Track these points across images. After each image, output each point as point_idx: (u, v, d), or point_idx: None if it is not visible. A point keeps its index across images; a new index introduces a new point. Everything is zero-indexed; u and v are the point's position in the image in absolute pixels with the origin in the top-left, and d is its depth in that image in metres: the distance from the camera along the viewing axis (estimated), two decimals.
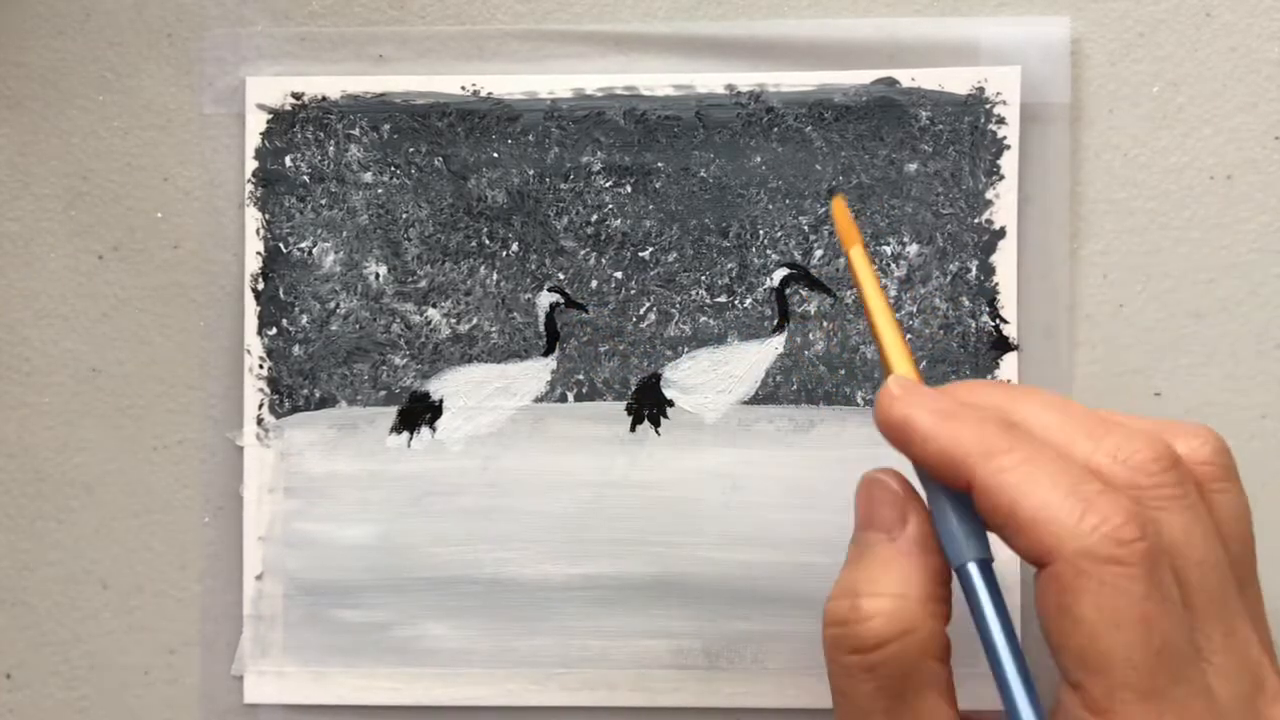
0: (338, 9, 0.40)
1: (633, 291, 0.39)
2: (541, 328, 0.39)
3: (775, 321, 0.39)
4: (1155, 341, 0.39)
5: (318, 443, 0.39)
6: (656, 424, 0.39)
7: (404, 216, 0.39)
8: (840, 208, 0.32)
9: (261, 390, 0.39)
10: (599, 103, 0.39)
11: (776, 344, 0.39)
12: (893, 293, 0.39)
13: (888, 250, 0.39)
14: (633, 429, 0.39)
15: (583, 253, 0.39)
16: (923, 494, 0.29)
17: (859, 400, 0.39)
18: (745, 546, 0.38)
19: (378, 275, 0.39)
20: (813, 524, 0.38)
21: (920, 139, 0.38)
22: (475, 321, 0.39)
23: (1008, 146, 0.38)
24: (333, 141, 0.39)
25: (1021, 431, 0.28)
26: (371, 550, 0.39)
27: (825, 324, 0.39)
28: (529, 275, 0.39)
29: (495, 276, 0.39)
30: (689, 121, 0.39)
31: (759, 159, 0.39)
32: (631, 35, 0.39)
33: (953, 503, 0.28)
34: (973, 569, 0.27)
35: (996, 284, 0.38)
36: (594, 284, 0.39)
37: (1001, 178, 0.38)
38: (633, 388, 0.39)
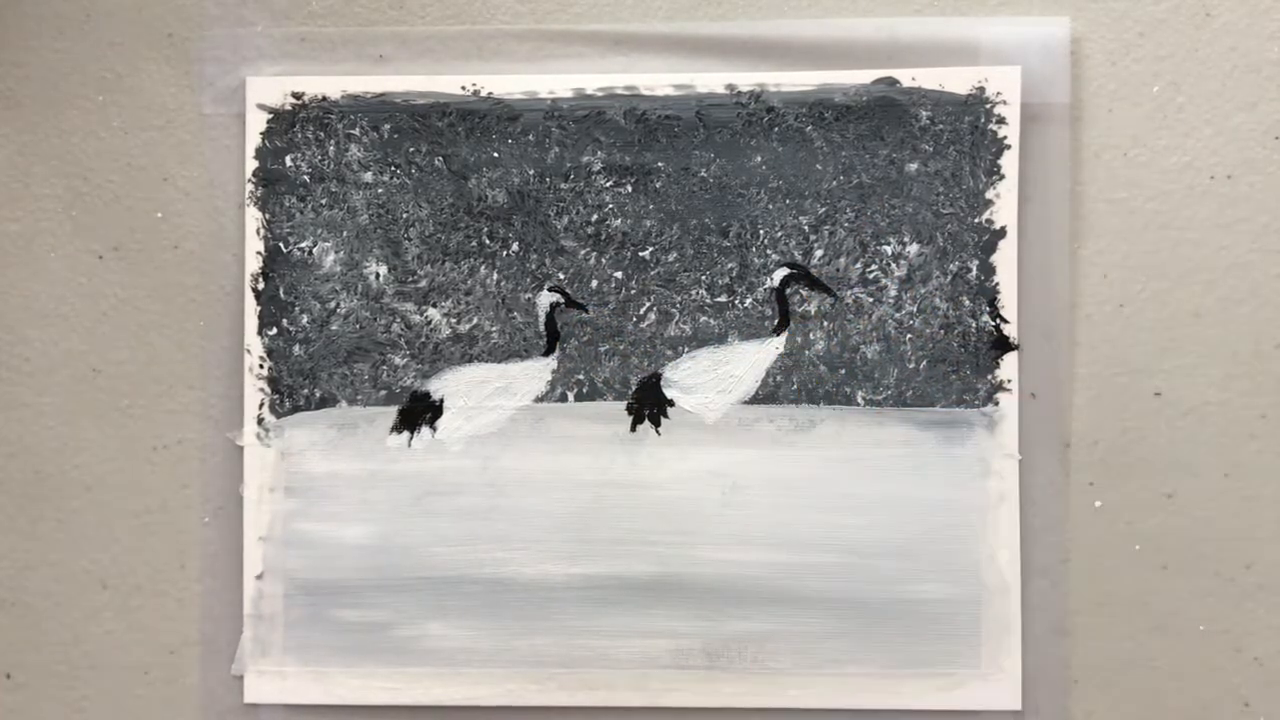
0: (338, 9, 0.40)
1: (633, 291, 0.39)
2: (542, 327, 0.39)
3: (775, 321, 0.39)
4: (1155, 341, 0.39)
5: (318, 442, 0.39)
6: (656, 424, 0.39)
7: (404, 216, 0.39)
8: None
9: (262, 390, 0.39)
10: (599, 103, 0.39)
11: (776, 344, 0.39)
12: (893, 292, 0.39)
13: (888, 250, 0.39)
14: (633, 429, 0.39)
15: (583, 252, 0.39)
16: None
17: (859, 400, 0.39)
18: (745, 546, 0.38)
19: (378, 275, 0.39)
20: (812, 524, 0.38)
21: (920, 139, 0.38)
22: (475, 321, 0.39)
23: (1008, 146, 0.38)
24: (333, 141, 0.39)
25: None
26: (371, 550, 0.39)
27: (825, 324, 0.39)
28: (529, 275, 0.39)
29: (495, 276, 0.39)
30: (689, 121, 0.39)
31: (759, 159, 0.39)
32: (631, 35, 0.39)
33: None
34: None
35: (996, 284, 0.38)
36: (594, 284, 0.39)
37: (1002, 177, 0.38)
38: (633, 387, 0.39)
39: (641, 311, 0.39)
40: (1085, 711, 0.38)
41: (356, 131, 0.39)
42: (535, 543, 0.39)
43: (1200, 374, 0.38)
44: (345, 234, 0.39)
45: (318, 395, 0.39)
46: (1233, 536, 0.38)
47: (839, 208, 0.39)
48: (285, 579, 0.39)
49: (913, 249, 0.39)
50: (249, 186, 0.39)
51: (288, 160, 0.39)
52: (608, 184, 0.39)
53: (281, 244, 0.39)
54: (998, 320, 0.38)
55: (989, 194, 0.38)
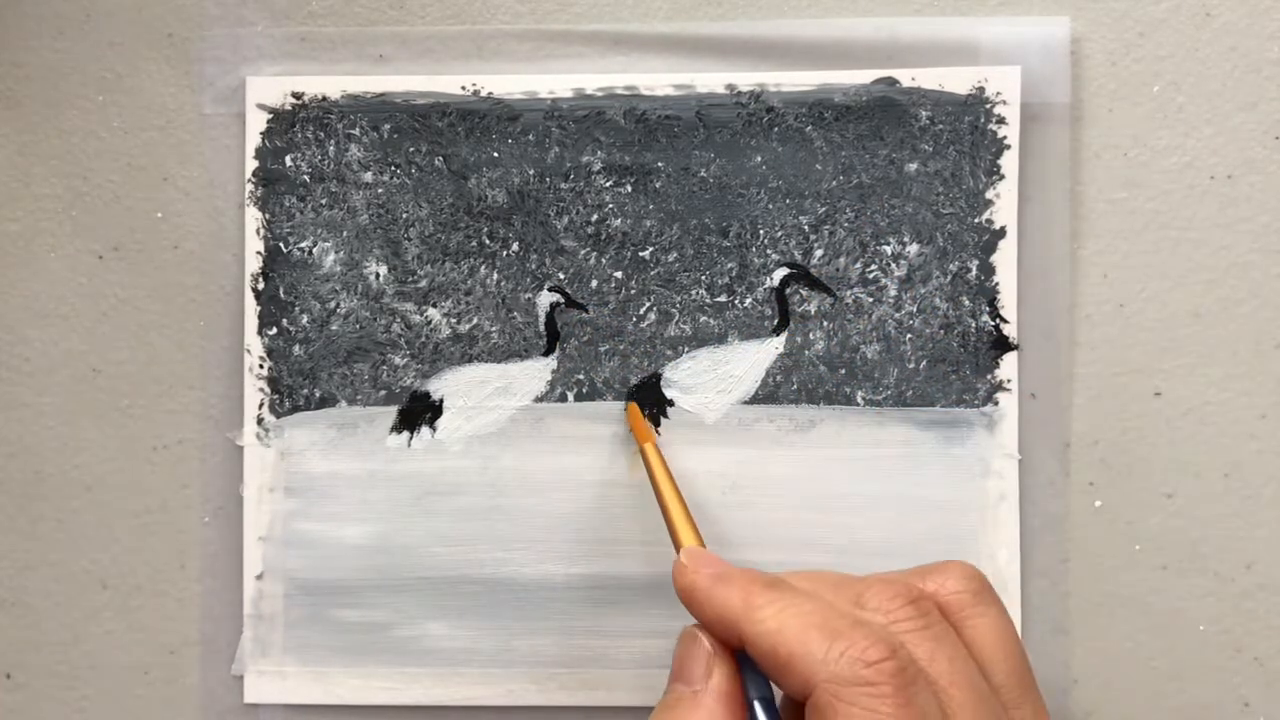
0: (338, 9, 0.40)
1: (633, 291, 0.39)
2: (542, 327, 0.39)
3: (775, 321, 0.39)
4: (1155, 341, 0.39)
5: (318, 442, 0.39)
6: (656, 424, 0.39)
7: (404, 216, 0.39)
8: (634, 412, 0.38)
9: (261, 390, 0.39)
10: (599, 102, 0.39)
11: (776, 344, 0.39)
12: (893, 292, 0.39)
13: (888, 250, 0.39)
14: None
15: (583, 252, 0.39)
16: None
17: (859, 400, 0.39)
18: (745, 546, 0.38)
19: (378, 275, 0.39)
20: (812, 524, 0.38)
21: (920, 139, 0.38)
22: (475, 321, 0.39)
23: (1008, 146, 0.38)
24: (333, 141, 0.39)
25: (784, 587, 0.30)
26: (371, 550, 0.39)
27: (825, 324, 0.39)
28: (529, 275, 0.39)
29: (495, 276, 0.39)
30: (689, 121, 0.39)
31: (759, 159, 0.39)
32: (631, 35, 0.39)
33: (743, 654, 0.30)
34: (756, 705, 0.29)
35: (996, 284, 0.38)
36: (594, 284, 0.39)
37: (1002, 177, 0.38)
38: (631, 387, 0.39)
39: (641, 311, 0.39)
40: (1085, 711, 0.38)
41: (356, 131, 0.39)
42: (535, 543, 0.39)
43: (1200, 374, 0.38)
44: (345, 234, 0.39)
45: (318, 395, 0.39)
46: (1233, 536, 0.38)
47: (839, 208, 0.39)
48: (285, 579, 0.39)
49: (913, 249, 0.39)
50: (249, 186, 0.39)
51: (288, 160, 0.39)
52: (608, 184, 0.39)
53: (281, 244, 0.39)
54: (998, 320, 0.38)
55: (989, 194, 0.38)
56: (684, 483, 0.39)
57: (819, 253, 0.39)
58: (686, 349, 0.39)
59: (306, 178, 0.39)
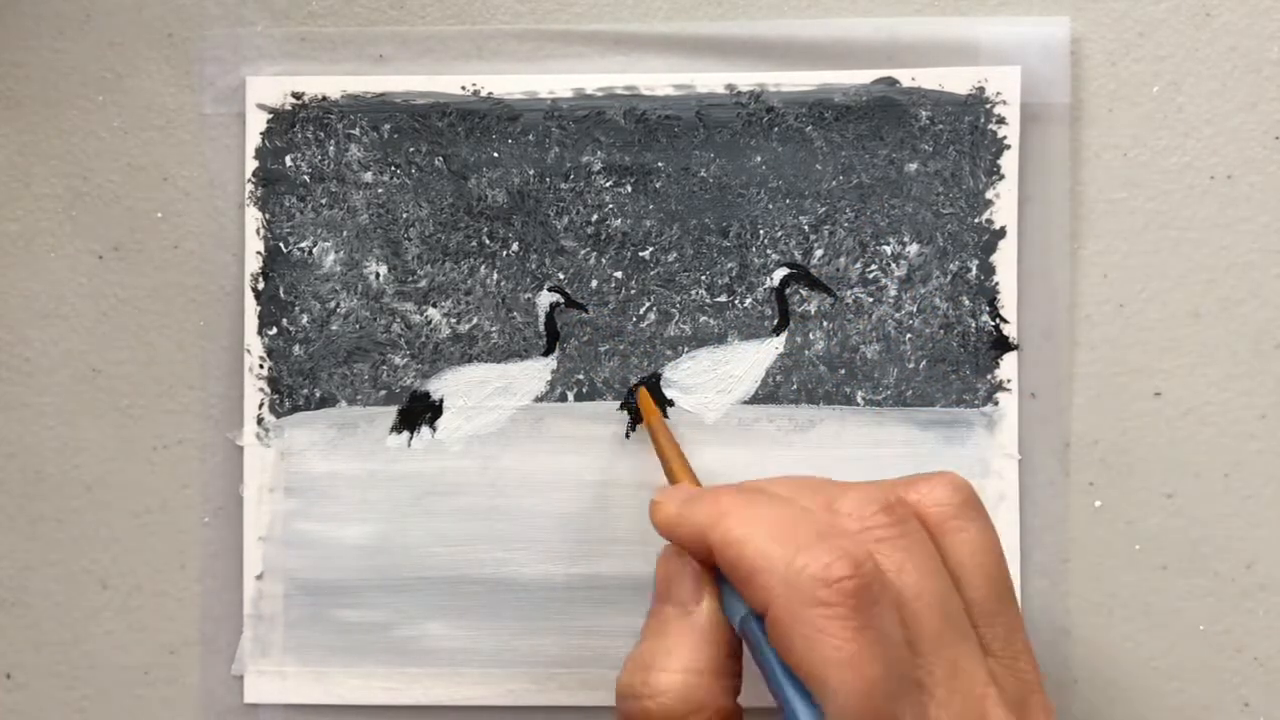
0: (338, 9, 0.40)
1: (633, 291, 0.39)
2: (541, 327, 0.39)
3: (775, 321, 0.39)
4: (1155, 341, 0.39)
5: (318, 442, 0.39)
6: None
7: (404, 216, 0.39)
8: (644, 397, 0.38)
9: (261, 390, 0.39)
10: (599, 102, 0.39)
11: (776, 344, 0.39)
12: (893, 292, 0.39)
13: (888, 250, 0.39)
14: (628, 435, 0.39)
15: (583, 252, 0.39)
16: None
17: (859, 400, 0.39)
18: None
19: (378, 275, 0.39)
20: None
21: (920, 139, 0.38)
22: (475, 321, 0.39)
23: (1008, 146, 0.38)
24: (333, 141, 0.39)
25: (757, 494, 0.29)
26: (371, 550, 0.39)
27: (825, 324, 0.39)
28: (529, 275, 0.39)
29: (495, 276, 0.39)
30: (689, 121, 0.39)
31: (759, 159, 0.39)
32: (631, 35, 0.39)
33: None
34: (749, 621, 0.28)
35: (996, 284, 0.38)
36: (594, 284, 0.39)
37: (1002, 177, 0.38)
38: (630, 386, 0.39)
39: (641, 311, 0.39)
40: (1085, 711, 0.38)
41: (356, 131, 0.39)
42: (535, 543, 0.39)
43: (1200, 374, 0.38)
44: (345, 234, 0.39)
45: (318, 395, 0.39)
46: (1233, 536, 0.38)
47: (839, 208, 0.39)
48: (285, 579, 0.39)
49: (913, 249, 0.39)
50: (249, 186, 0.39)
51: (288, 160, 0.39)
52: (608, 184, 0.39)
53: (281, 244, 0.39)
54: (998, 320, 0.38)
55: (989, 194, 0.38)
56: None
57: (819, 253, 0.39)
58: (686, 349, 0.39)
59: (306, 178, 0.39)
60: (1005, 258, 0.38)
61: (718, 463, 0.39)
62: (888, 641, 0.26)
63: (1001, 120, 0.38)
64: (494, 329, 0.39)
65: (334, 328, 0.39)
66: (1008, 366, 0.38)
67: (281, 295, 0.39)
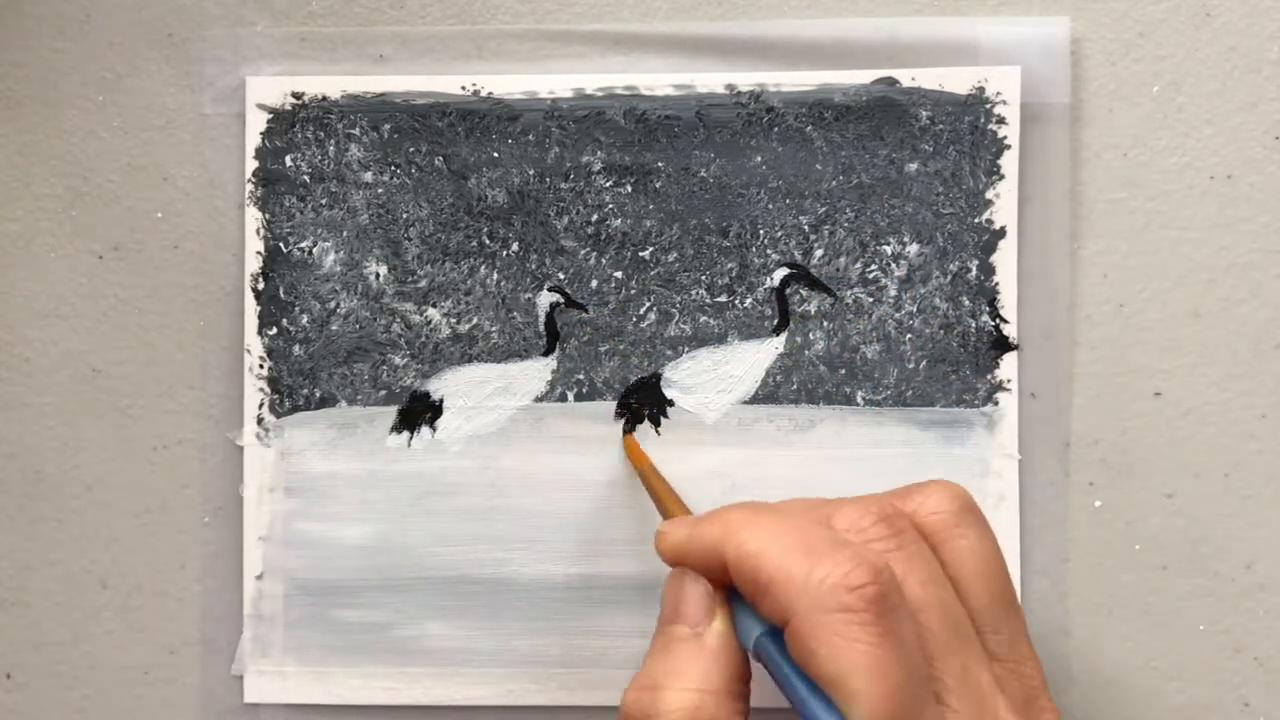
0: (338, 9, 0.40)
1: (633, 291, 0.39)
2: (541, 327, 0.39)
3: (775, 321, 0.39)
4: (1155, 341, 0.39)
5: (318, 442, 0.39)
6: (657, 424, 0.39)
7: (404, 216, 0.39)
8: (631, 444, 0.38)
9: (261, 390, 0.39)
10: (599, 102, 0.39)
11: (776, 344, 0.39)
12: (892, 293, 0.39)
13: (888, 250, 0.39)
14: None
15: (583, 252, 0.39)
16: None
17: (859, 400, 0.39)
18: None
19: (378, 275, 0.39)
20: None
21: (920, 139, 0.38)
22: (475, 321, 0.39)
23: (1008, 146, 0.38)
24: (333, 141, 0.39)
25: (766, 510, 0.29)
26: (371, 550, 0.39)
27: (825, 324, 0.39)
28: (529, 275, 0.39)
29: (495, 276, 0.39)
30: (689, 121, 0.39)
31: (759, 159, 0.39)
32: (631, 35, 0.39)
33: (737, 595, 0.29)
34: (764, 640, 0.28)
35: (996, 284, 0.38)
36: (594, 284, 0.39)
37: (1001, 177, 0.38)
38: (629, 386, 0.39)
39: (641, 311, 0.39)
40: (1085, 711, 0.38)
41: (356, 131, 0.39)
42: (535, 543, 0.39)
43: (1200, 374, 0.38)
44: (345, 234, 0.39)
45: (318, 395, 0.39)
46: (1233, 536, 0.38)
47: (839, 208, 0.39)
48: (285, 579, 0.39)
49: (913, 249, 0.39)
50: (249, 186, 0.39)
51: (288, 160, 0.39)
52: (608, 184, 0.39)
53: (281, 244, 0.39)
54: (998, 320, 0.38)
55: (989, 194, 0.38)
56: (684, 482, 0.39)
57: (819, 253, 0.39)
58: (686, 349, 0.39)
59: (306, 178, 0.39)
60: (1005, 258, 0.38)
61: (718, 463, 0.39)
62: (907, 648, 0.26)
63: (1001, 120, 0.38)
64: (494, 329, 0.39)
65: (334, 328, 0.39)
66: (1008, 366, 0.38)
67: (281, 295, 0.39)
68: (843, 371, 0.39)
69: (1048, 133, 0.38)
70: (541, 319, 0.39)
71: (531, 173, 0.39)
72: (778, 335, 0.39)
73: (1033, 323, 0.38)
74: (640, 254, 0.39)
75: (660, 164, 0.39)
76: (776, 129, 0.39)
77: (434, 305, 0.39)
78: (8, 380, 0.40)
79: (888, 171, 0.38)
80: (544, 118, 0.39)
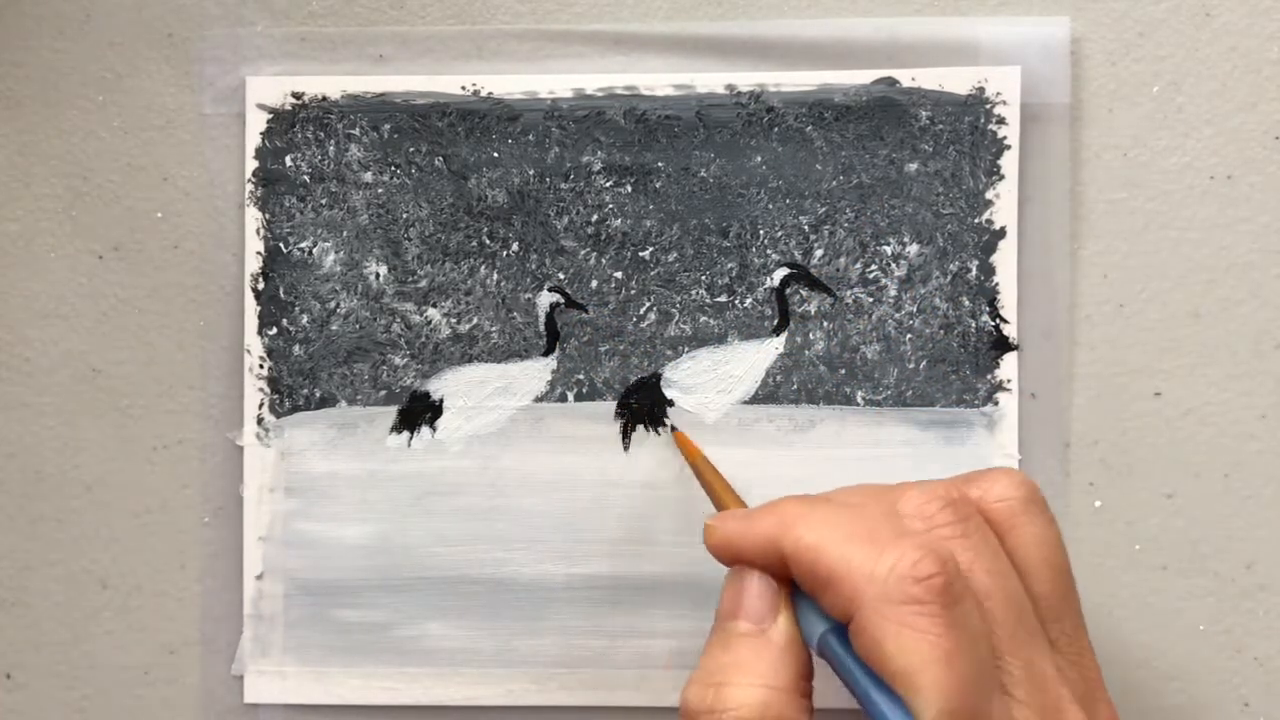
0: (338, 9, 0.40)
1: (633, 291, 0.39)
2: (541, 327, 0.39)
3: (775, 321, 0.39)
4: (1155, 341, 0.39)
5: (318, 442, 0.39)
6: (657, 424, 0.39)
7: (404, 216, 0.39)
8: (681, 438, 0.38)
9: (261, 390, 0.39)
10: (599, 103, 0.39)
11: (776, 344, 0.39)
12: (892, 293, 0.39)
13: (888, 250, 0.39)
14: (625, 446, 0.39)
15: (583, 253, 0.39)
16: None
17: (859, 400, 0.39)
18: None
19: (378, 275, 0.39)
20: None
21: (920, 139, 0.38)
22: (475, 321, 0.39)
23: (1008, 146, 0.38)
24: (333, 141, 0.39)
25: (820, 500, 0.28)
26: (371, 550, 0.39)
27: (825, 324, 0.39)
28: (529, 275, 0.39)
29: (495, 276, 0.39)
30: (689, 121, 0.39)
31: (759, 159, 0.39)
32: (631, 35, 0.39)
33: (798, 591, 0.29)
34: (829, 637, 0.27)
35: (996, 284, 0.38)
36: (594, 284, 0.39)
37: (1002, 178, 0.38)
38: (630, 386, 0.39)
39: (641, 311, 0.39)
40: None
41: (356, 131, 0.39)
42: (535, 543, 0.39)
43: (1200, 374, 0.38)
44: (345, 234, 0.39)
45: (318, 395, 0.39)
46: (1233, 536, 0.38)
47: (839, 208, 0.39)
48: (285, 579, 0.39)
49: (913, 249, 0.39)
50: (249, 186, 0.39)
51: (288, 160, 0.39)
52: (608, 184, 0.39)
53: (281, 244, 0.39)
54: (997, 320, 0.38)
55: (989, 194, 0.38)
56: (684, 482, 0.39)
57: (819, 253, 0.39)
58: (686, 349, 0.39)
59: (306, 178, 0.39)
60: (1005, 258, 0.38)
61: (718, 463, 0.38)
62: (975, 639, 0.25)
63: (1001, 120, 0.38)
64: (494, 329, 0.39)
65: (334, 328, 0.39)
66: (1008, 366, 0.38)
67: (281, 295, 0.39)
68: (843, 371, 0.39)
69: (1048, 133, 0.38)
70: (541, 319, 0.39)
71: (531, 173, 0.39)
72: (778, 335, 0.39)
73: (1033, 323, 0.38)
74: (640, 254, 0.39)
75: (660, 164, 0.39)
76: (776, 129, 0.39)
77: (434, 305, 0.39)
78: (8, 380, 0.40)
79: (888, 171, 0.38)
80: (544, 118, 0.39)
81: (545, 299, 0.39)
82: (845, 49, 0.39)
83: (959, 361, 0.38)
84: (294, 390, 0.39)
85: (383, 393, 0.39)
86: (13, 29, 0.40)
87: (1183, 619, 0.38)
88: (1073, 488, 0.38)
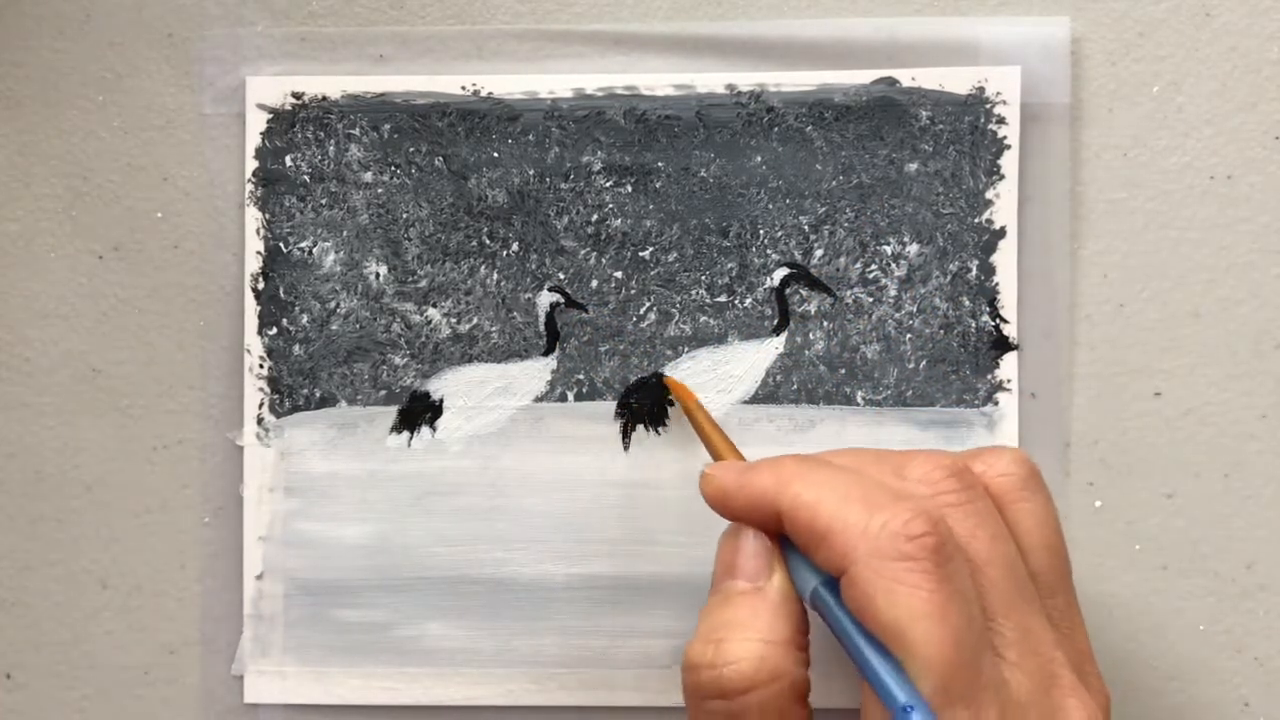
0: (338, 9, 0.40)
1: (633, 291, 0.39)
2: (541, 327, 0.39)
3: (775, 321, 0.39)
4: (1155, 341, 0.39)
5: (318, 442, 0.39)
6: (657, 424, 0.39)
7: (404, 216, 0.39)
8: (673, 383, 0.38)
9: (261, 390, 0.39)
10: (599, 103, 0.39)
11: (776, 344, 0.39)
12: (892, 293, 0.39)
13: (888, 250, 0.39)
14: (625, 446, 0.39)
15: (583, 252, 0.39)
16: None
17: (859, 400, 0.39)
18: None
19: (378, 275, 0.39)
20: None
21: (920, 139, 0.38)
22: (475, 321, 0.39)
23: (1008, 146, 0.38)
24: (333, 141, 0.39)
25: (819, 461, 0.29)
26: (371, 550, 0.39)
27: (825, 324, 0.39)
28: (529, 275, 0.39)
29: (495, 276, 0.39)
30: (689, 121, 0.39)
31: (759, 159, 0.39)
32: (631, 35, 0.39)
33: (790, 545, 0.29)
34: (821, 590, 0.28)
35: (996, 284, 0.38)
36: (594, 284, 0.39)
37: (1002, 177, 0.38)
38: (629, 386, 0.39)
39: (641, 311, 0.39)
40: None
41: (356, 131, 0.39)
42: (535, 543, 0.39)
43: (1200, 374, 0.38)
44: (345, 234, 0.39)
45: (318, 395, 0.39)
46: (1233, 536, 0.38)
47: (839, 208, 0.39)
48: (285, 579, 0.39)
49: (913, 249, 0.39)
50: (249, 186, 0.39)
51: (288, 160, 0.39)
52: (608, 184, 0.39)
53: (281, 244, 0.39)
54: (998, 320, 0.38)
55: (989, 194, 0.38)
56: (684, 482, 0.39)
57: (819, 253, 0.39)
58: (686, 349, 0.39)
59: (306, 178, 0.39)
60: (1005, 258, 0.38)
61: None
62: (966, 598, 0.26)
63: (1001, 120, 0.38)
64: (494, 329, 0.39)
65: (334, 328, 0.39)
66: (1008, 366, 0.38)
67: (281, 295, 0.39)
68: (843, 371, 0.39)
69: (1048, 133, 0.38)
70: (541, 319, 0.39)
71: (531, 173, 0.39)
72: (778, 335, 0.39)
73: (1033, 323, 0.38)
74: (640, 254, 0.39)
75: (660, 164, 0.39)
76: (776, 129, 0.39)
77: (434, 305, 0.39)
78: (8, 380, 0.40)
79: (888, 171, 0.38)
80: (544, 118, 0.39)
81: (545, 299, 0.39)
82: (845, 49, 0.39)
83: (959, 361, 0.38)
84: (294, 390, 0.39)
85: (383, 393, 0.39)
86: (13, 29, 0.40)
87: (1183, 619, 0.38)
88: (1073, 488, 0.38)
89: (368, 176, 0.39)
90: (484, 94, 0.39)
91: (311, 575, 0.39)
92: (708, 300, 0.39)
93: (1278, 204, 0.38)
